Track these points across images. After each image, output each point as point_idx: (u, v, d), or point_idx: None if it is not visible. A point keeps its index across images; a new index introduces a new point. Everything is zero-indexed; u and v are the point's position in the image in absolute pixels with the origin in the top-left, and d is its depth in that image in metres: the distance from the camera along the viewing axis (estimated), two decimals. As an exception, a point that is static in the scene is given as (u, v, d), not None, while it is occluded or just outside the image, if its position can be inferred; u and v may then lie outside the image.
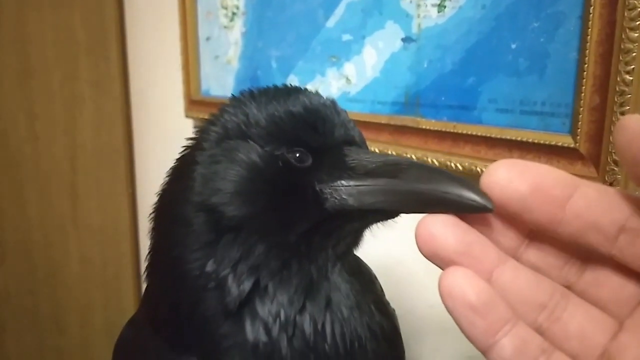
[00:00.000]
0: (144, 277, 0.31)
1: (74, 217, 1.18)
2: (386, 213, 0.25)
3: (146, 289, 0.32)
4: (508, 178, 0.18)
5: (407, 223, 0.26)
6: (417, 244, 0.20)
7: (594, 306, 0.20)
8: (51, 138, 1.13)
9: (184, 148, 0.30)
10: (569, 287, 0.20)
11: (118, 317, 1.27)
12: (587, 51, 0.36)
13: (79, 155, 1.17)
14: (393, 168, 0.23)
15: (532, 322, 0.20)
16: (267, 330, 0.25)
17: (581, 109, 0.36)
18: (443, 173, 0.21)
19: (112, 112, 1.19)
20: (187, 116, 0.94)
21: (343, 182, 0.25)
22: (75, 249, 1.20)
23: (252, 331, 0.25)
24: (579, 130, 0.36)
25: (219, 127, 0.28)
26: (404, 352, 0.33)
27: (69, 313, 1.21)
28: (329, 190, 0.25)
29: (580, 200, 0.18)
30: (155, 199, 0.31)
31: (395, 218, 0.25)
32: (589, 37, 0.36)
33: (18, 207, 1.12)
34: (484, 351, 0.19)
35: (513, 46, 0.41)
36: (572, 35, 0.37)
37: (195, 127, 0.96)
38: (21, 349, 1.15)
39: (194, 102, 0.91)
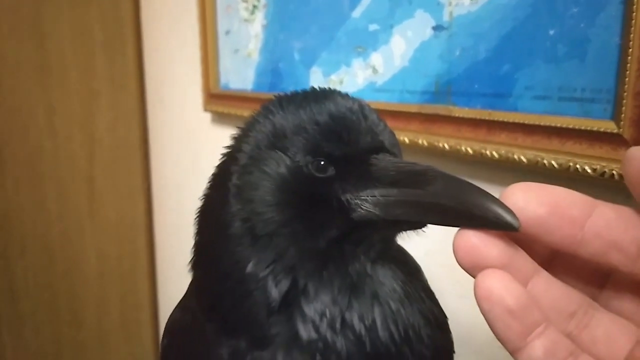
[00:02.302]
0: (188, 268, 0.32)
1: (91, 212, 1.19)
2: (413, 223, 0.25)
3: (192, 280, 0.32)
4: (525, 201, 0.19)
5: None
6: (455, 254, 0.20)
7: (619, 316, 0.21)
8: (69, 133, 1.13)
9: (221, 156, 0.31)
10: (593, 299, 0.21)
11: (133, 311, 1.28)
12: (632, 35, 0.35)
13: (96, 151, 1.17)
14: (419, 179, 0.23)
15: (563, 330, 0.20)
16: (316, 328, 0.26)
17: (625, 93, 0.36)
18: (470, 186, 0.21)
19: (129, 107, 1.20)
20: (205, 110, 0.94)
21: (369, 192, 0.25)
22: (92, 243, 1.21)
23: (305, 329, 0.26)
24: (623, 115, 0.36)
25: (250, 137, 0.29)
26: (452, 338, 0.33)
27: (86, 306, 1.22)
28: (356, 201, 0.26)
29: (598, 219, 0.19)
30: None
31: (424, 228, 0.26)
32: (633, 21, 0.35)
33: (37, 202, 1.13)
34: (514, 352, 0.19)
35: (551, 32, 0.41)
36: (614, 21, 0.37)
37: (212, 120, 0.96)
38: (40, 342, 1.17)
39: (212, 95, 0.91)
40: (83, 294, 1.21)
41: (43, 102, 1.10)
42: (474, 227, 0.20)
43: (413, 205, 0.23)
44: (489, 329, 0.20)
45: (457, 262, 0.20)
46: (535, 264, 0.20)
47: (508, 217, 0.18)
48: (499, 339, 0.20)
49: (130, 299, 1.27)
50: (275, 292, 0.26)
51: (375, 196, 0.25)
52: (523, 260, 0.20)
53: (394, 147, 0.28)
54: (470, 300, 0.22)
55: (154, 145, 1.24)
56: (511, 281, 0.19)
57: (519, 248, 0.20)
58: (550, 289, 0.20)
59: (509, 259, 0.19)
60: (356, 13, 0.60)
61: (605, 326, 0.20)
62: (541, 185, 0.19)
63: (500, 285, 0.19)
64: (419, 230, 0.26)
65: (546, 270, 0.21)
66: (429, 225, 0.25)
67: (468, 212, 0.20)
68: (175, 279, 1.22)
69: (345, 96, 0.29)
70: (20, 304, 1.13)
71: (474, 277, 0.20)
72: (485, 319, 0.19)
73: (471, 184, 0.21)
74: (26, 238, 1.13)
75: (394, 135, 0.29)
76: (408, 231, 0.27)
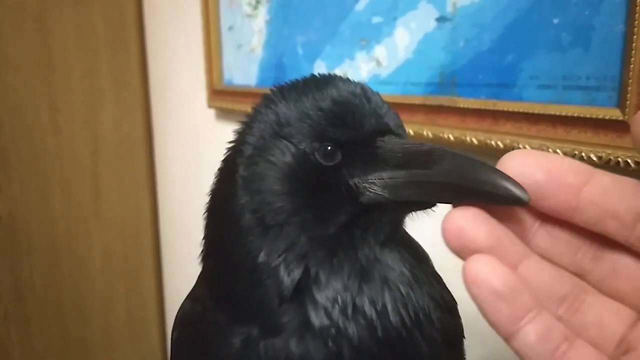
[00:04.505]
0: (198, 261, 0.32)
1: (96, 210, 1.20)
2: (422, 204, 0.25)
3: (202, 270, 0.32)
4: (523, 166, 0.19)
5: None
6: (444, 237, 0.20)
7: (612, 299, 0.20)
8: (73, 131, 1.14)
9: (226, 150, 0.31)
10: (584, 276, 0.21)
11: (139, 309, 1.28)
12: (636, 22, 0.35)
13: (100, 149, 1.18)
14: (427, 159, 0.23)
15: (553, 314, 0.20)
16: (328, 315, 0.26)
17: (630, 81, 0.36)
18: (478, 163, 0.21)
19: (132, 105, 1.20)
20: (209, 106, 0.94)
21: (377, 175, 0.25)
22: (97, 242, 1.21)
23: (316, 316, 0.26)
24: (628, 102, 0.36)
25: (254, 128, 0.29)
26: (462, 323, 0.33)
27: (91, 305, 1.22)
28: (364, 185, 0.26)
29: (595, 187, 0.19)
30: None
31: (433, 208, 0.26)
32: (637, 7, 0.35)
33: (42, 201, 1.13)
34: (507, 338, 0.19)
35: (555, 21, 0.41)
36: (619, 8, 0.37)
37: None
38: (46, 340, 1.17)
39: (216, 92, 0.92)
40: (89, 292, 1.22)
41: (47, 101, 1.10)
42: (483, 204, 0.20)
43: (422, 186, 0.23)
44: None
45: (446, 244, 0.20)
46: (526, 247, 0.20)
47: (518, 192, 0.18)
48: (491, 325, 0.19)
49: (136, 296, 1.28)
50: (287, 281, 0.26)
51: (383, 179, 0.25)
52: (512, 243, 0.20)
53: (399, 128, 0.28)
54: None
55: (158, 142, 1.25)
56: (498, 264, 0.19)
57: (508, 230, 0.20)
58: (540, 272, 0.20)
59: (497, 242, 0.19)
60: (359, 6, 0.60)
61: (596, 310, 0.20)
62: (539, 152, 0.19)
63: (486, 269, 0.19)
64: (428, 210, 0.26)
65: (532, 240, 0.21)
66: (438, 205, 0.25)
67: (477, 188, 0.20)
68: (181, 276, 1.22)
69: (347, 80, 0.29)
70: (26, 303, 1.14)
71: (463, 259, 0.20)
72: (476, 305, 0.19)
73: (478, 160, 0.21)
74: (31, 237, 1.13)
75: (398, 116, 0.29)
76: (417, 212, 0.27)
